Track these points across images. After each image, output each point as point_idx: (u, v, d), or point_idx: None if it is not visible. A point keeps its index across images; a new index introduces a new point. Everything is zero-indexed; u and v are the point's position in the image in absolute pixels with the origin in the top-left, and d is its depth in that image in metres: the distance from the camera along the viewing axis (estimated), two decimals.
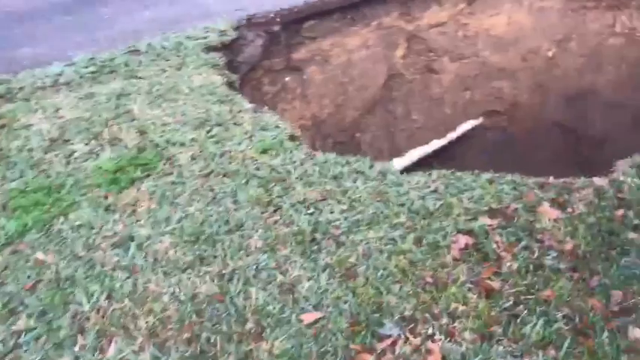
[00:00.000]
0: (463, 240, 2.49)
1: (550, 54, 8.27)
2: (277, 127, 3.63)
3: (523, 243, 2.47)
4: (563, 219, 2.59)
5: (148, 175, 3.12)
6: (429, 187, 2.96)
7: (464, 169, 9.20)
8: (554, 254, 2.38)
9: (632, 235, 2.44)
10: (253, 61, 5.52)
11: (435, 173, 3.11)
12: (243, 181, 3.04)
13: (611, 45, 8.14)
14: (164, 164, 3.21)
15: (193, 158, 3.25)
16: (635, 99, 8.13)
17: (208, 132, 3.50)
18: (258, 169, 3.16)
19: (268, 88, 6.23)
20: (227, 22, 5.10)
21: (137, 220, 2.80)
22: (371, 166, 3.19)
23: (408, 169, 7.90)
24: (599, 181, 2.90)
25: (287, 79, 6.41)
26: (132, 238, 2.68)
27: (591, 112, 8.44)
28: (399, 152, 7.68)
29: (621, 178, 2.91)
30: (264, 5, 5.77)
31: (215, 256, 2.54)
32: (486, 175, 3.07)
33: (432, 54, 7.68)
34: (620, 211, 2.61)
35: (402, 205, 2.79)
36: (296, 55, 6.38)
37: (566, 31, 8.22)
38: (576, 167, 8.82)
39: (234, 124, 3.61)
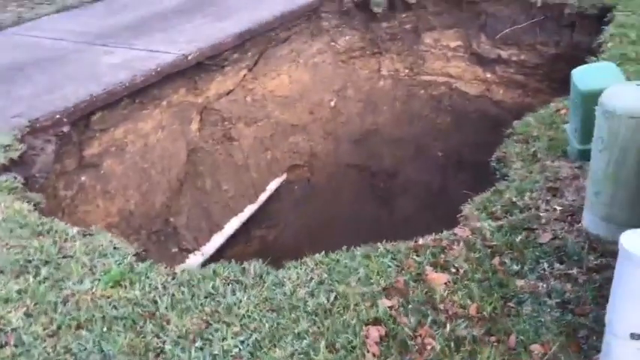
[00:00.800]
0: (374, 332, 2.39)
1: (332, 104, 8.81)
2: (116, 248, 3.17)
3: (430, 318, 2.46)
4: (453, 281, 2.65)
5: None
6: (312, 278, 2.81)
7: (279, 226, 9.21)
8: (464, 322, 2.40)
9: (519, 282, 2.59)
10: (48, 170, 4.86)
11: (309, 261, 2.97)
12: (105, 329, 2.56)
13: (381, 87, 8.96)
14: None
15: (29, 315, 2.65)
16: (411, 132, 9.05)
17: (36, 276, 2.90)
18: (116, 307, 2.69)
19: (65, 193, 5.56)
20: (8, 134, 4.40)
21: None
22: (242, 271, 2.93)
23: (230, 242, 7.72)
24: (461, 232, 3.05)
25: (83, 178, 5.80)
26: None
27: (378, 149, 9.16)
28: (218, 227, 7.45)
29: (478, 225, 3.09)
30: (43, 106, 5.14)
31: None
32: (359, 251, 3.03)
33: (227, 122, 7.62)
34: (497, 259, 2.76)
35: (296, 307, 2.59)
36: (89, 151, 5.81)
37: (341, 81, 8.85)
38: (376, 199, 9.49)
39: (64, 257, 3.06)
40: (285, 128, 8.40)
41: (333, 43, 8.63)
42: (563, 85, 7.66)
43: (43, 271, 2.93)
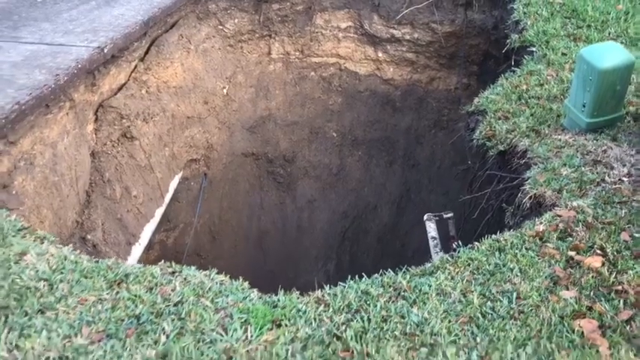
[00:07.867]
0: (589, 325, 2.39)
1: (225, 91, 8.36)
2: (222, 283, 2.65)
3: (621, 300, 2.53)
4: (609, 261, 2.75)
5: None
6: (470, 281, 2.68)
7: (178, 228, 8.60)
8: None
9: None
10: None
11: (442, 264, 2.83)
12: None
13: (272, 71, 8.72)
14: None
15: None
16: (304, 115, 9.00)
17: (162, 333, 2.32)
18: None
19: None
20: None
21: None
22: (386, 285, 2.68)
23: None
24: (564, 212, 3.14)
25: None
26: None
27: (273, 135, 8.97)
28: (134, 237, 6.72)
29: (574, 204, 3.21)
30: None
31: None
32: (484, 245, 2.96)
33: (124, 120, 6.80)
34: (625, 234, 2.93)
35: (487, 315, 2.46)
36: None
37: (231, 67, 8.42)
38: (277, 186, 9.32)
39: (176, 304, 2.48)
40: (182, 121, 7.79)
41: (221, 27, 8.13)
42: (450, 61, 8.26)
43: (167, 327, 2.35)
